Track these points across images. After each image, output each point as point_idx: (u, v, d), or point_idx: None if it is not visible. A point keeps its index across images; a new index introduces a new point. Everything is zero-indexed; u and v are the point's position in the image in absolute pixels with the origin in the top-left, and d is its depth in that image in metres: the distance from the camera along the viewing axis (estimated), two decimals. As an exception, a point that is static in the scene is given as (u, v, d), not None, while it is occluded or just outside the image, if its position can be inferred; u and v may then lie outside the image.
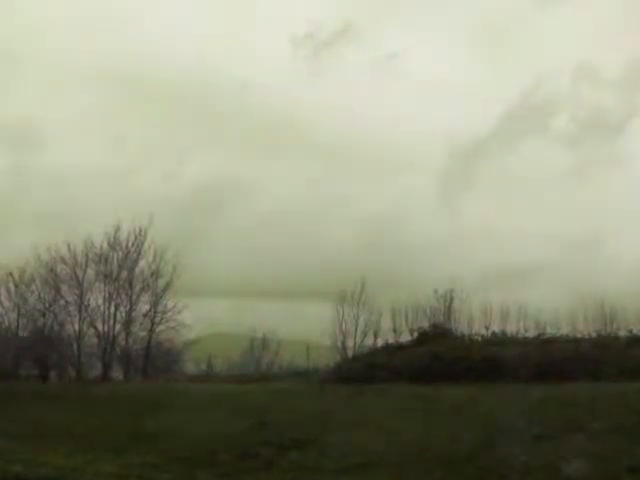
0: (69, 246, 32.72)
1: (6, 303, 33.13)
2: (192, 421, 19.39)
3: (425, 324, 29.75)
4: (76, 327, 32.55)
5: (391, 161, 75.91)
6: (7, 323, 33.22)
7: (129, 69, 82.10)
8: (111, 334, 32.46)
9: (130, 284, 33.00)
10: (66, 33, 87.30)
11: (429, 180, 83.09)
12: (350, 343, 31.87)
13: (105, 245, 33.08)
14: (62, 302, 32.93)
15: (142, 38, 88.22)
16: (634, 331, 26.08)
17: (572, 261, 52.29)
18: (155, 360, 34.55)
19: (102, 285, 32.87)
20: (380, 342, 29.73)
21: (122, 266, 33.12)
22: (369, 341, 31.20)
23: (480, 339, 27.56)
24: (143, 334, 33.35)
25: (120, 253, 33.19)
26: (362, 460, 15.23)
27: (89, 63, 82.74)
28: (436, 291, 31.47)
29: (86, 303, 32.63)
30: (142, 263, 33.34)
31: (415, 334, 28.82)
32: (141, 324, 33.33)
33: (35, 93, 73.40)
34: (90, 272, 32.96)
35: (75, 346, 32.63)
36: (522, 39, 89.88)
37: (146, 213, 33.14)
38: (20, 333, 33.23)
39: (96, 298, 32.85)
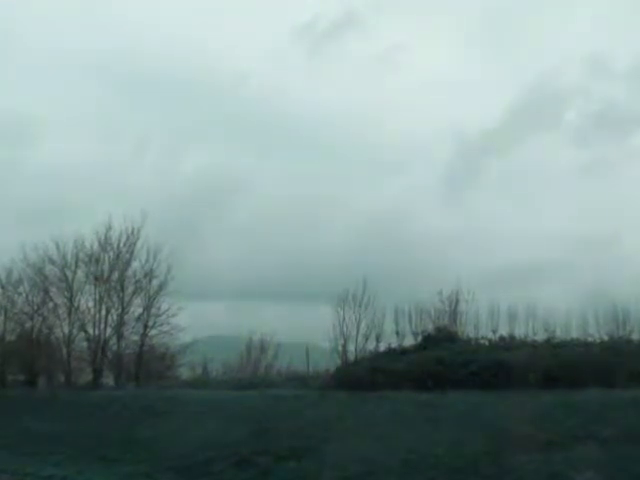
0: (58, 246, 32.78)
1: (-8, 306, 33.19)
2: (186, 429, 19.41)
3: (429, 327, 29.78)
4: (65, 331, 32.62)
5: (394, 157, 76.17)
6: (-7, 326, 33.27)
7: (123, 61, 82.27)
8: (102, 338, 32.48)
9: (122, 286, 33.02)
10: (60, 26, 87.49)
11: (433, 177, 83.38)
12: (351, 347, 31.85)
13: (96, 245, 33.16)
14: (51, 304, 32.99)
15: (136, 29, 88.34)
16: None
17: (583, 261, 52.46)
18: (148, 365, 34.58)
19: (93, 287, 32.93)
20: (382, 346, 29.75)
21: (114, 267, 33.15)
22: (371, 345, 31.21)
23: (487, 343, 27.58)
24: (136, 338, 33.38)
25: (111, 253, 33.25)
26: (363, 469, 15.24)
27: (81, 56, 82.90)
28: (441, 292, 31.52)
29: (76, 306, 32.68)
30: (135, 264, 33.40)
31: (419, 337, 28.84)
32: (133, 327, 33.36)
33: (25, 86, 73.54)
34: (80, 273, 33.03)
35: (64, 350, 32.67)
36: (531, 30, 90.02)
37: (139, 211, 33.21)
38: (7, 337, 33.26)
39: (86, 300, 32.92)
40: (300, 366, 35.35)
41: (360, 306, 32.43)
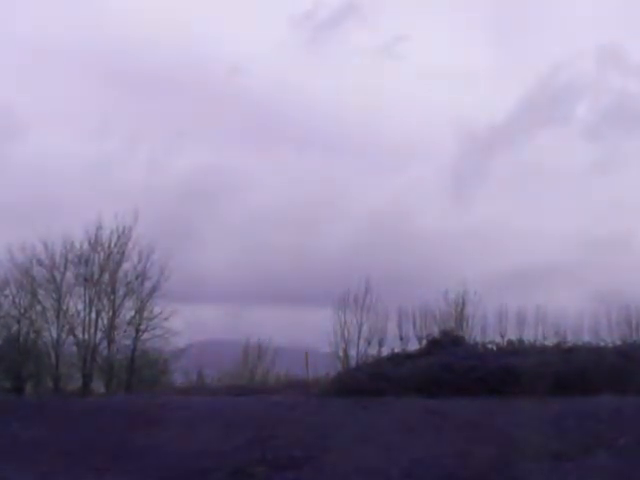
0: (46, 246, 32.78)
1: (-22, 309, 33.18)
2: (180, 437, 19.42)
3: (435, 331, 29.87)
4: (54, 335, 32.61)
5: (397, 152, 75.97)
6: (-21, 331, 33.27)
7: (112, 52, 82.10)
8: (92, 342, 32.51)
9: (113, 288, 33.05)
10: (46, 16, 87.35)
11: (439, 173, 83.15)
12: (353, 351, 32.05)
13: (85, 245, 33.18)
14: (39, 307, 32.98)
15: (126, 19, 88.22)
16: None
17: (595, 262, 52.36)
18: (140, 371, 34.60)
19: (82, 289, 32.93)
20: (385, 351, 29.92)
21: (104, 268, 33.17)
22: (373, 349, 31.35)
23: (495, 347, 27.63)
24: (127, 342, 33.40)
25: (102, 254, 33.27)
26: (365, 479, 15.26)
27: (69, 47, 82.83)
28: (447, 294, 31.62)
29: (65, 308, 32.70)
30: (126, 265, 33.42)
31: (424, 342, 28.91)
32: (125, 332, 33.38)
33: (10, 80, 73.45)
34: (69, 275, 33.05)
35: (53, 355, 32.67)
36: (541, 20, 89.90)
37: (130, 210, 33.22)
38: (-7, 341, 33.27)
39: (76, 303, 32.94)
40: (299, 372, 35.41)
41: (362, 309, 32.60)
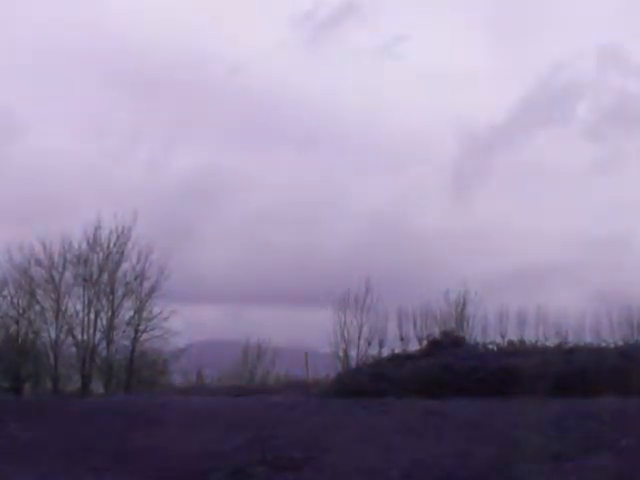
0: (45, 246, 32.82)
1: (-24, 309, 33.22)
2: (180, 438, 19.43)
3: (435, 331, 29.90)
4: (53, 335, 32.68)
5: (397, 152, 76.03)
6: (-23, 331, 33.31)
7: (112, 52, 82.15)
8: (91, 343, 32.55)
9: (112, 288, 33.09)
10: (46, 16, 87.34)
11: (439, 173, 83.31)
12: (353, 352, 32.10)
13: (84, 245, 33.23)
14: (37, 308, 33.03)
15: (126, 19, 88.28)
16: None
17: (595, 262, 52.46)
18: (139, 371, 34.64)
19: (81, 289, 32.97)
20: (386, 351, 29.93)
21: (103, 268, 33.21)
22: (374, 350, 31.38)
23: (495, 348, 27.65)
24: (126, 343, 33.44)
25: (101, 254, 33.32)
26: (365, 479, 15.29)
27: (69, 47, 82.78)
28: (447, 294, 31.65)
29: (63, 309, 32.74)
30: (125, 265, 33.46)
31: (424, 342, 28.92)
32: (124, 332, 33.43)
33: (8, 81, 73.49)
34: (68, 275, 33.11)
35: (52, 356, 32.70)
36: (541, 20, 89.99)
37: (130, 210, 33.27)
38: (-9, 342, 33.31)
39: (74, 303, 33.00)
40: (299, 372, 35.46)
41: (362, 309, 32.68)
